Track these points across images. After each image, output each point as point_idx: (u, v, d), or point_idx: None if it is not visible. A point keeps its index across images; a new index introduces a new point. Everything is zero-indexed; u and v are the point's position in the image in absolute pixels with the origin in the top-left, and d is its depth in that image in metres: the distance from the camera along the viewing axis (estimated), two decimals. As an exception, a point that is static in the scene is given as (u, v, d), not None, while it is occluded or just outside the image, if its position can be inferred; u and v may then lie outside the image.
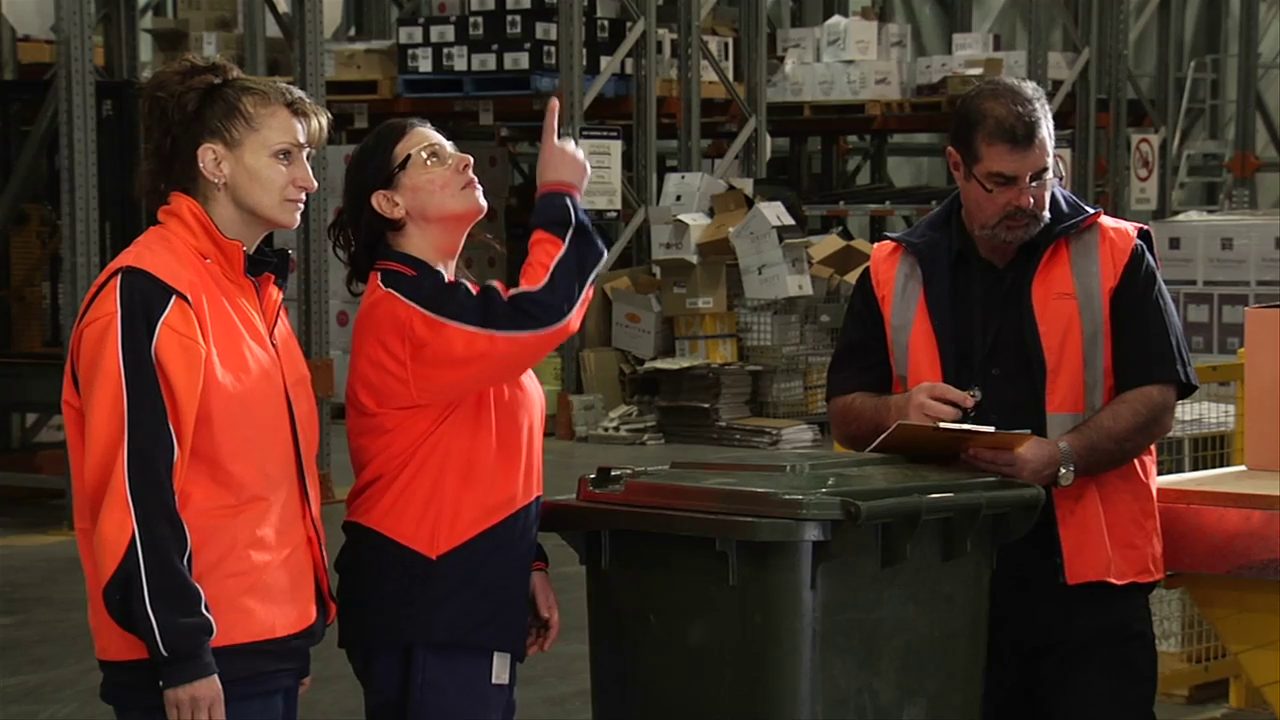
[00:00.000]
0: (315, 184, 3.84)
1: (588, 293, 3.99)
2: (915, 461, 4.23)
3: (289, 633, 3.81)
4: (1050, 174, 4.34)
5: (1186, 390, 4.41)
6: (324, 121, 3.89)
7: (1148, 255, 4.40)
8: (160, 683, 3.66)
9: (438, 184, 4.04)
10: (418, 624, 3.98)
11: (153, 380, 3.66)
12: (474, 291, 3.98)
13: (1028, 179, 4.30)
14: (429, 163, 4.05)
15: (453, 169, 4.06)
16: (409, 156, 4.05)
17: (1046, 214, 4.34)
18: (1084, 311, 4.32)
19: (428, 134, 4.10)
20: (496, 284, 4.01)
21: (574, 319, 3.97)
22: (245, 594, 3.74)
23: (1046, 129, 4.33)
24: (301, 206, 3.85)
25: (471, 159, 4.12)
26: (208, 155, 3.79)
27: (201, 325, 3.72)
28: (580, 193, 4.07)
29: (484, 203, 4.09)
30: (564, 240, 3.99)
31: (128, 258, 3.76)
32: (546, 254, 3.99)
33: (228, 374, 3.74)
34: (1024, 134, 4.29)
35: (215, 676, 3.67)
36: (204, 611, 3.66)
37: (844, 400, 4.49)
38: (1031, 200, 4.29)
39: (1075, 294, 4.32)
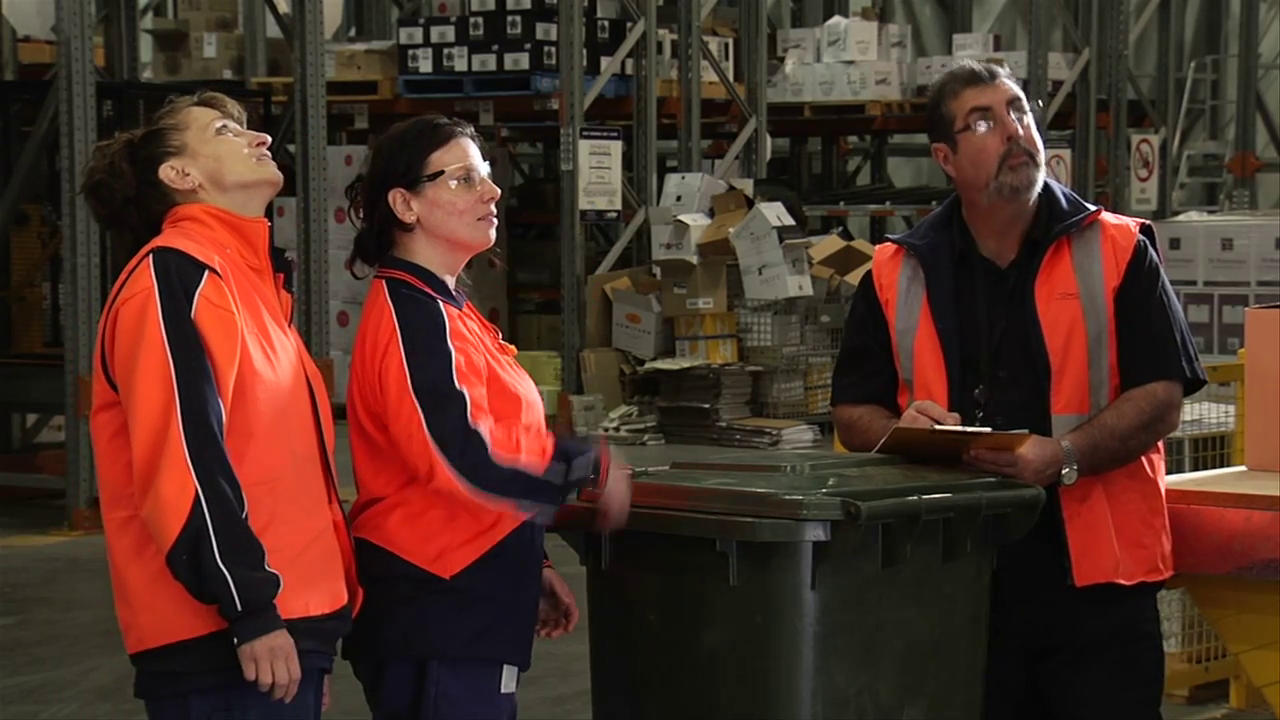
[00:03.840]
0: (268, 136, 3.95)
1: (504, 504, 3.93)
2: (916, 462, 4.23)
3: (322, 612, 3.84)
4: (1029, 113, 4.35)
5: (1194, 385, 4.39)
6: (234, 103, 3.99)
7: (1151, 251, 4.39)
8: (235, 639, 3.69)
9: (457, 208, 4.05)
10: (432, 639, 3.99)
11: (197, 345, 3.72)
12: (460, 375, 3.93)
13: (1005, 109, 4.32)
14: (456, 185, 4.05)
15: (477, 198, 4.07)
16: (440, 173, 4.04)
17: (1041, 156, 4.34)
18: (1088, 311, 4.30)
19: (468, 151, 4.09)
20: (488, 425, 3.93)
21: (473, 492, 3.91)
22: (280, 571, 3.76)
23: (1012, 83, 4.38)
24: (270, 158, 3.94)
25: (499, 193, 4.11)
26: (169, 172, 3.90)
27: (234, 299, 3.79)
28: (601, 486, 3.99)
29: (493, 238, 4.11)
30: (552, 476, 3.93)
31: (154, 243, 3.83)
32: (536, 458, 3.95)
33: (258, 352, 3.81)
34: (985, 73, 4.38)
35: (286, 630, 3.71)
36: (268, 566, 3.70)
37: (853, 413, 4.47)
38: (1020, 130, 4.31)
39: (1078, 294, 4.31)
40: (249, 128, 4.00)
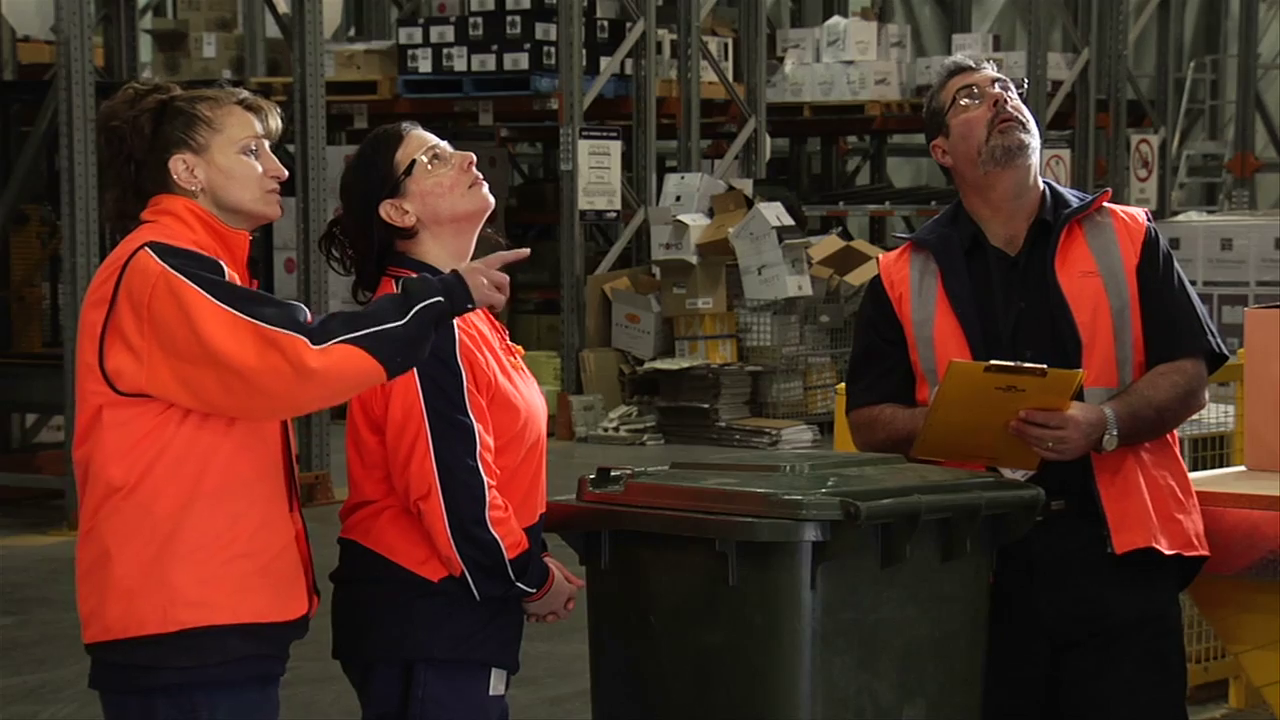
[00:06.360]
0: (286, 172, 3.91)
1: (456, 561, 3.94)
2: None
3: (286, 619, 3.85)
4: (1015, 92, 4.43)
5: (1218, 361, 4.43)
6: (277, 114, 3.95)
7: (1161, 237, 4.47)
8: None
9: (446, 186, 4.03)
10: (419, 641, 3.98)
11: (239, 287, 3.71)
12: (472, 400, 3.93)
13: (989, 84, 4.42)
14: (432, 166, 4.04)
15: (458, 168, 4.05)
16: (413, 163, 4.03)
17: (1032, 126, 4.40)
18: (1109, 287, 4.35)
19: (425, 137, 4.08)
20: (493, 480, 3.96)
21: (449, 537, 3.93)
22: (255, 574, 3.79)
23: (997, 73, 4.48)
24: (279, 196, 3.90)
25: (474, 156, 4.10)
26: (179, 165, 3.84)
27: None
28: (535, 599, 4.07)
29: (492, 199, 4.09)
30: (514, 569, 3.97)
31: (141, 238, 3.79)
32: (516, 538, 4.00)
33: None
34: (970, 62, 4.49)
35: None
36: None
37: (871, 411, 4.46)
38: (1006, 100, 4.39)
39: (1099, 271, 4.36)
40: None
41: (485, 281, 3.79)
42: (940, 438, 4.25)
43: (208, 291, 3.68)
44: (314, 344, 3.64)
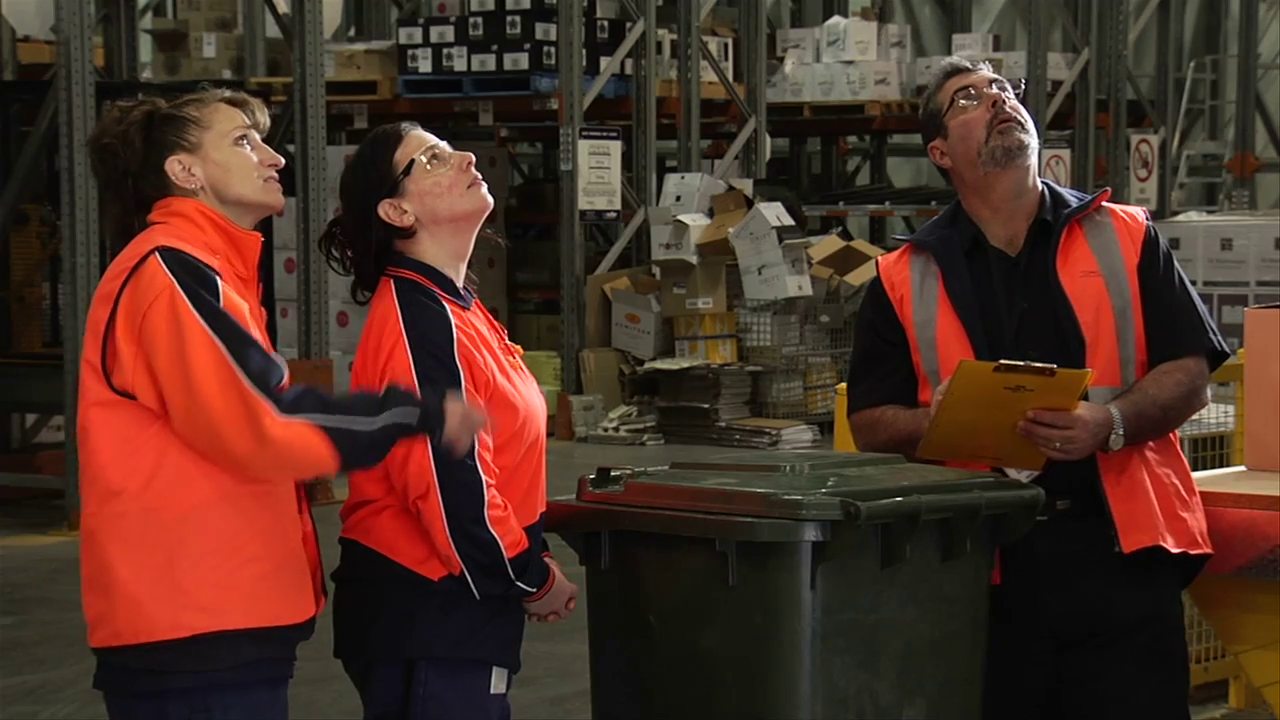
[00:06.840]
0: (282, 160, 3.93)
1: (456, 559, 3.93)
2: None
3: (295, 621, 3.85)
4: (1010, 90, 4.43)
5: (1219, 359, 4.44)
6: (263, 110, 3.97)
7: (1160, 236, 4.48)
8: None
9: (444, 186, 4.03)
10: (420, 640, 3.98)
11: (235, 322, 3.72)
12: (470, 400, 3.93)
13: (987, 85, 4.43)
14: (431, 166, 4.04)
15: (456, 168, 4.05)
16: (412, 162, 4.03)
17: (1030, 126, 4.40)
18: (1111, 287, 4.36)
19: (424, 137, 4.09)
20: (492, 479, 3.97)
21: (447, 537, 3.92)
22: (266, 578, 3.79)
23: (993, 73, 4.49)
24: (279, 185, 3.91)
25: (473, 156, 4.10)
26: (176, 166, 3.86)
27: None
28: (536, 599, 4.07)
29: (490, 199, 4.09)
30: (514, 567, 3.97)
31: (153, 240, 3.79)
32: (515, 538, 3.99)
33: None
34: (965, 63, 4.50)
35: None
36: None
37: (872, 413, 4.45)
38: (1004, 100, 4.39)
39: (1100, 271, 4.37)
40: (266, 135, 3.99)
41: (459, 424, 3.83)
42: (946, 437, 4.25)
43: (206, 321, 3.70)
44: (278, 413, 3.68)
